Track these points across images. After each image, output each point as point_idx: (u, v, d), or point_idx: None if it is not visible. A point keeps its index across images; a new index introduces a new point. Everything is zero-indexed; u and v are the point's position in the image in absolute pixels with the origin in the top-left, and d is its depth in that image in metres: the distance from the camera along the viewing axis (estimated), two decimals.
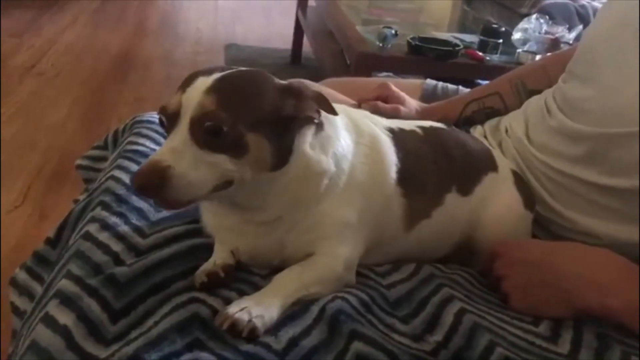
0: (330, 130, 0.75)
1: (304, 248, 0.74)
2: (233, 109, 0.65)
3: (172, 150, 0.64)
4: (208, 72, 0.69)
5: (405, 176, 0.80)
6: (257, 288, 0.71)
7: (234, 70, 0.70)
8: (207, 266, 0.73)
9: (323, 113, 0.73)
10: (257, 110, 0.67)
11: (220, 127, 0.64)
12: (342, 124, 0.78)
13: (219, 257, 0.74)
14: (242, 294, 0.70)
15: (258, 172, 0.68)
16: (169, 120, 0.67)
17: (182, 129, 0.65)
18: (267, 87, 0.70)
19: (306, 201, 0.74)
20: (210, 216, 0.78)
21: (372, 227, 0.78)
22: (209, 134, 0.65)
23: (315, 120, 0.72)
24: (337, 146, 0.75)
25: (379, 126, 0.83)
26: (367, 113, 0.87)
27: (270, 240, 0.74)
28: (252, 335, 0.63)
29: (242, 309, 0.64)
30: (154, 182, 0.62)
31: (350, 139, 0.77)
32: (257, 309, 0.65)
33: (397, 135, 0.83)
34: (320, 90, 1.19)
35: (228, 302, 0.68)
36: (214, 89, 0.66)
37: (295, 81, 1.24)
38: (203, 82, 0.67)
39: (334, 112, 0.72)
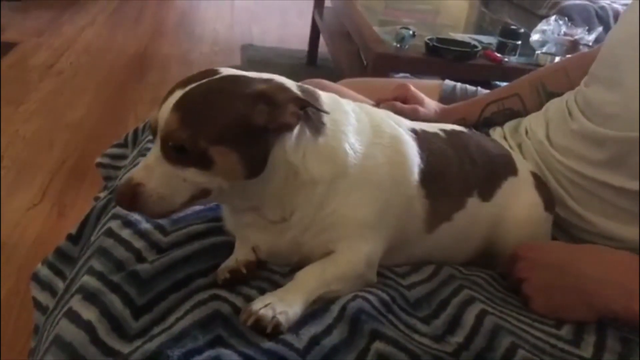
0: (332, 134, 0.73)
1: (322, 248, 0.74)
2: (193, 125, 0.66)
3: (146, 167, 0.68)
4: (185, 83, 0.69)
5: (428, 177, 0.79)
6: (277, 286, 0.71)
7: (203, 81, 0.69)
8: (228, 263, 0.73)
9: (329, 116, 0.73)
10: (219, 124, 0.66)
11: (183, 146, 0.66)
12: (354, 126, 0.76)
13: (240, 254, 0.74)
14: (263, 291, 0.70)
15: (232, 181, 0.69)
16: (153, 134, 0.71)
17: (156, 146, 0.68)
18: (233, 96, 0.68)
19: (307, 205, 0.73)
20: (230, 214, 0.79)
21: (394, 227, 0.78)
22: (175, 151, 0.67)
23: (295, 125, 0.70)
24: (338, 151, 0.73)
25: (402, 127, 0.82)
26: (390, 113, 0.85)
27: (286, 239, 0.74)
28: (276, 331, 0.64)
29: (266, 305, 0.64)
30: (128, 199, 0.67)
31: (363, 140, 0.75)
32: (280, 305, 0.65)
33: (421, 137, 0.82)
34: (338, 90, 1.19)
35: (249, 299, 0.68)
36: (178, 107, 0.67)
37: (311, 81, 1.25)
38: (174, 98, 0.68)
39: (323, 111, 0.72)
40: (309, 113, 0.71)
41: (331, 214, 0.73)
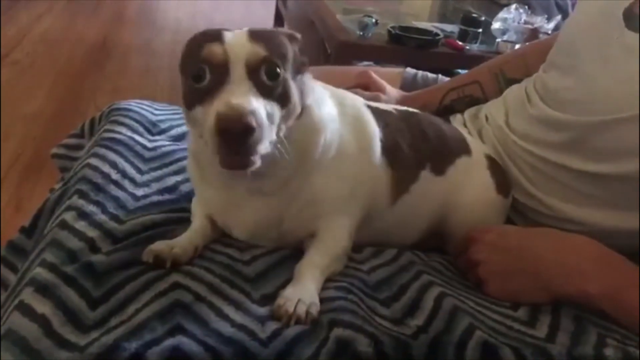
0: (318, 93, 0.77)
1: (303, 225, 0.76)
2: (279, 56, 0.67)
3: (244, 95, 0.63)
4: (222, 30, 0.68)
5: (387, 146, 0.82)
6: (241, 275, 0.71)
7: (249, 28, 0.69)
8: (163, 247, 0.71)
9: None
10: (290, 58, 0.69)
11: (277, 72, 0.66)
12: (326, 93, 0.79)
13: (182, 243, 0.73)
14: (227, 280, 0.70)
15: (289, 122, 0.69)
16: (215, 70, 0.65)
17: (240, 77, 0.64)
18: (283, 36, 0.71)
19: (305, 164, 0.74)
20: (216, 194, 0.77)
21: (366, 195, 0.80)
22: (267, 76, 0.65)
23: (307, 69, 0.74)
24: (327, 107, 0.77)
25: (358, 100, 0.85)
26: (346, 91, 0.88)
27: (271, 214, 0.75)
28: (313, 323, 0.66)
29: (297, 303, 0.65)
30: (244, 127, 0.60)
31: (335, 107, 0.79)
32: (306, 298, 0.67)
33: (375, 111, 0.85)
34: None
35: (213, 288, 0.68)
36: (257, 38, 0.66)
37: None
38: (237, 35, 0.67)
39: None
40: None
41: (315, 184, 0.75)
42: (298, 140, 0.72)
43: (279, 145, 0.67)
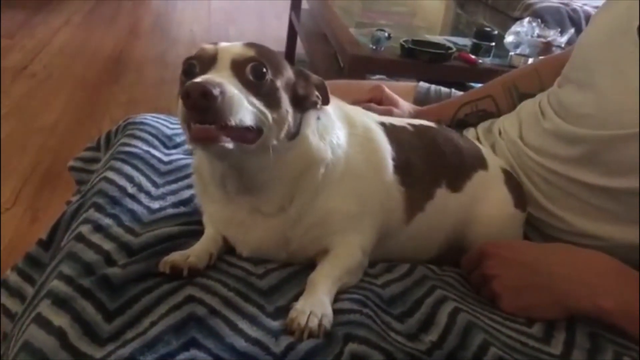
0: (325, 120, 0.77)
1: (313, 244, 0.77)
2: (269, 62, 0.69)
3: (218, 77, 0.65)
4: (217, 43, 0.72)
5: (400, 165, 0.82)
6: (255, 288, 0.72)
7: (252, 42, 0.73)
8: (177, 257, 0.72)
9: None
10: (285, 75, 0.71)
11: (264, 71, 0.67)
12: (336, 115, 0.80)
13: (196, 252, 0.74)
14: (241, 294, 0.70)
15: (279, 134, 0.70)
16: (203, 64, 0.68)
17: (223, 68, 0.67)
18: (286, 63, 0.74)
19: (304, 191, 0.75)
20: (219, 209, 0.78)
21: (379, 213, 0.80)
22: (253, 74, 0.67)
23: (318, 107, 0.75)
24: (332, 135, 0.77)
25: (370, 119, 0.85)
26: (359, 108, 0.88)
27: (276, 235, 0.76)
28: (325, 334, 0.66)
29: (308, 316, 0.66)
30: (210, 91, 0.61)
31: (344, 129, 0.79)
32: (318, 310, 0.67)
33: (388, 128, 0.85)
34: None
35: (227, 301, 0.68)
36: (251, 45, 0.70)
37: None
38: (232, 44, 0.70)
39: (328, 101, 0.77)
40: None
41: (322, 206, 0.75)
42: (294, 169, 0.74)
43: (268, 156, 0.69)
